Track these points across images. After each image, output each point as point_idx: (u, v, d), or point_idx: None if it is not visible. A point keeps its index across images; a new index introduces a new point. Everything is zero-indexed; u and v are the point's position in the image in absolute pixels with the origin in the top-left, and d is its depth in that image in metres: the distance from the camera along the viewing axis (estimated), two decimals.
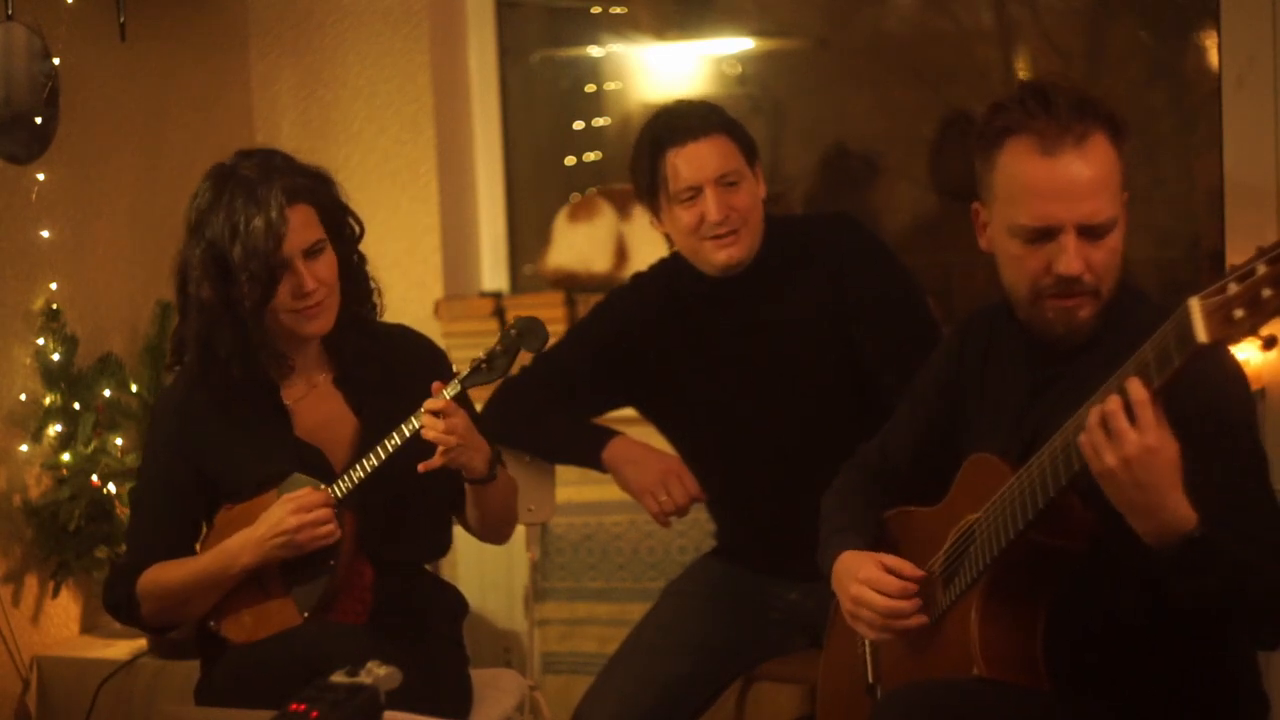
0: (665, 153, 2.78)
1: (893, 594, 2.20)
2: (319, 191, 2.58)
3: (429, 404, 2.48)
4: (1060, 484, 1.97)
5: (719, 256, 2.78)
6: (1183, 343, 1.78)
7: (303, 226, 2.52)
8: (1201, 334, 1.74)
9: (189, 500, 2.65)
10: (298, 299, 2.53)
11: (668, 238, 2.90)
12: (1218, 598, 1.94)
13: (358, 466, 2.54)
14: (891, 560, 2.24)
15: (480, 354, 2.53)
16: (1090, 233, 2.07)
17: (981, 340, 2.33)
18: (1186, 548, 1.89)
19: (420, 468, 2.49)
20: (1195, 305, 1.75)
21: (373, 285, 2.69)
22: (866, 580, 2.23)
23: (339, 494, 2.54)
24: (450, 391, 2.49)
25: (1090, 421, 1.88)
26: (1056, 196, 2.06)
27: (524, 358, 2.69)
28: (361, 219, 2.68)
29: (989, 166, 2.15)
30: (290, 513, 2.50)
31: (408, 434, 2.50)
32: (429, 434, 2.47)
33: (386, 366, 2.66)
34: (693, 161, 2.75)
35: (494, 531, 2.76)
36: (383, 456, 2.52)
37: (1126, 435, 1.85)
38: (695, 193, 2.76)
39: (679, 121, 2.79)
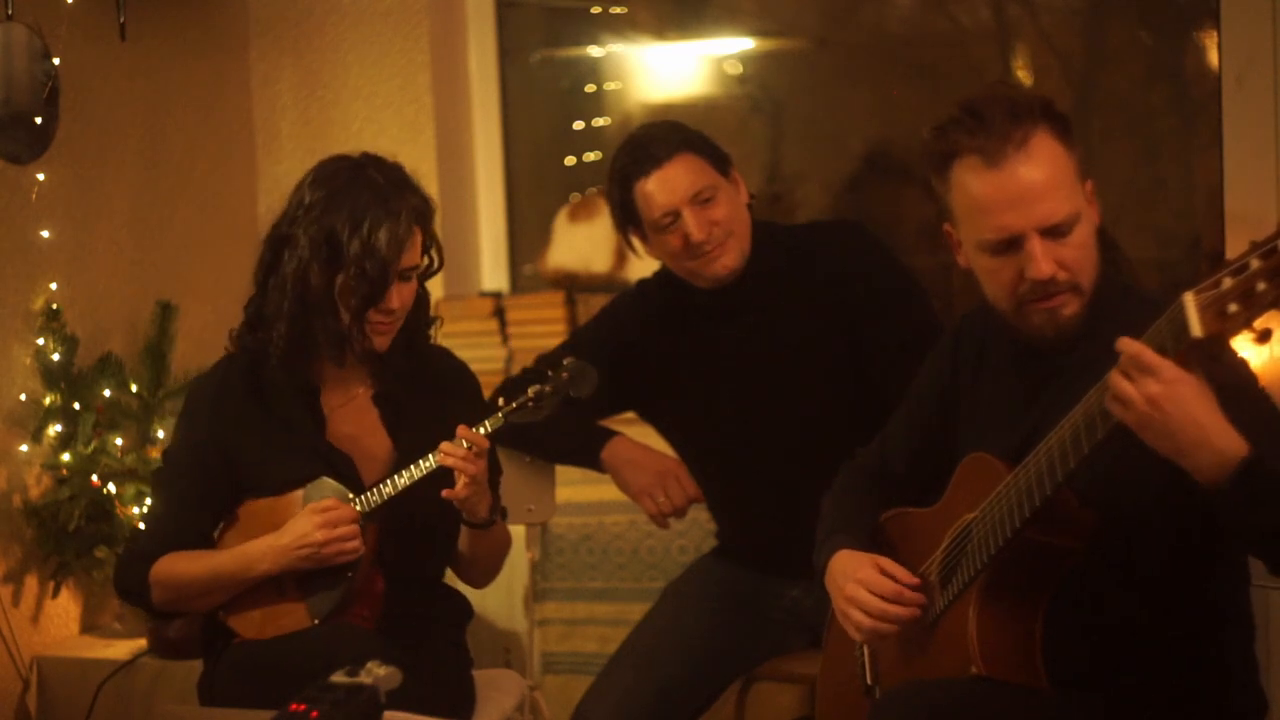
0: (633, 185, 2.78)
1: (886, 596, 2.21)
2: (428, 219, 2.62)
3: (468, 436, 2.48)
4: (1057, 480, 1.97)
5: (712, 269, 2.78)
6: (1177, 337, 1.78)
7: (411, 247, 2.55)
8: (1196, 328, 1.74)
9: (214, 488, 2.63)
10: (379, 314, 2.54)
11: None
12: None
13: (388, 483, 2.54)
14: (888, 563, 2.24)
15: (530, 391, 2.54)
16: (1053, 233, 2.07)
17: (976, 341, 2.33)
18: (1244, 476, 1.84)
19: (444, 494, 2.51)
20: (1189, 300, 1.75)
21: (434, 317, 2.72)
22: (862, 581, 2.23)
23: (365, 508, 2.54)
24: (493, 425, 2.51)
25: (1112, 378, 1.86)
26: (1010, 206, 2.07)
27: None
28: (444, 253, 2.70)
29: (945, 189, 2.17)
30: (318, 526, 2.50)
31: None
32: (452, 462, 2.48)
33: (427, 389, 2.67)
34: (663, 187, 2.75)
35: (478, 576, 2.79)
36: (415, 476, 2.52)
37: (1147, 376, 1.82)
38: (673, 217, 2.75)
39: (641, 151, 2.78)
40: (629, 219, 2.84)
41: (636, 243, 2.87)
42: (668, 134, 2.80)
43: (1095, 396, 1.91)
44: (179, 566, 2.59)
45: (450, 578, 2.81)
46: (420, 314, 2.68)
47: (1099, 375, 1.90)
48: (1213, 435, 1.85)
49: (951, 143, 2.12)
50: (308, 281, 2.52)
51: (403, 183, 2.58)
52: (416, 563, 2.66)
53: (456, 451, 2.48)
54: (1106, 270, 2.16)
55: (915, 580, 2.22)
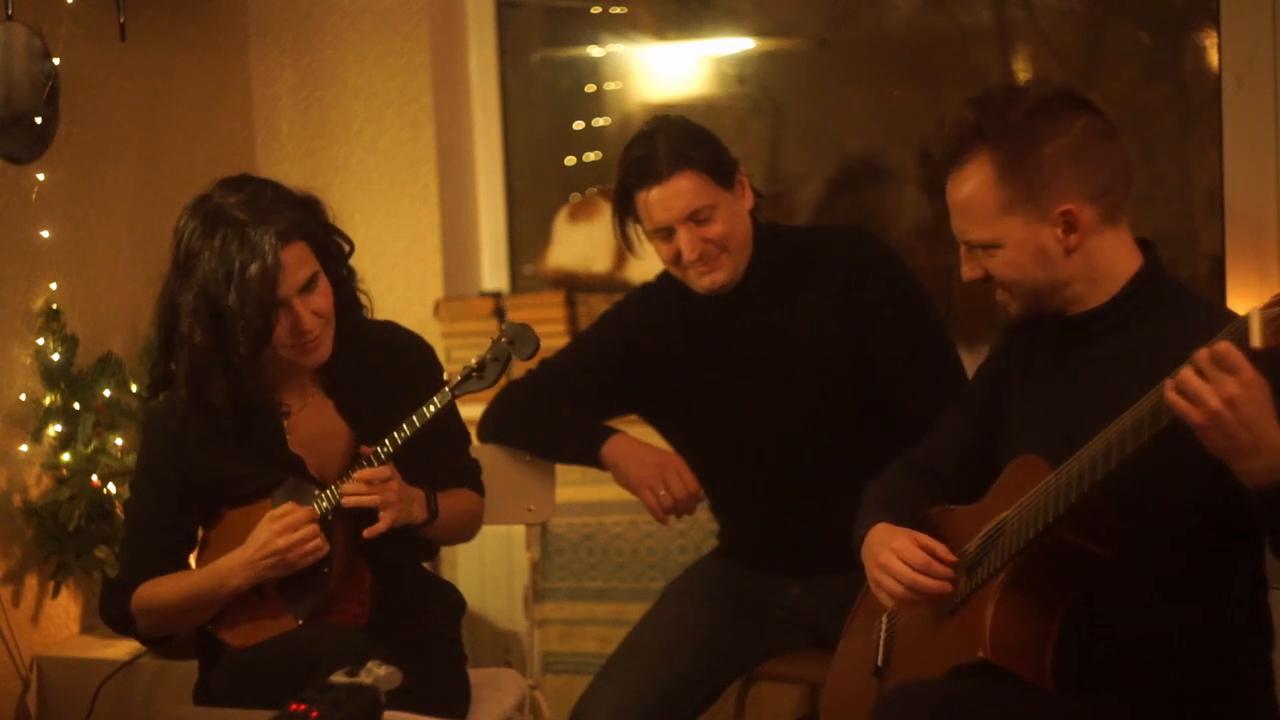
0: (634, 195, 2.78)
1: (916, 566, 2.23)
2: (309, 223, 2.53)
3: (361, 475, 2.49)
4: (1096, 479, 2.00)
5: (701, 284, 2.79)
6: (1237, 346, 1.86)
7: (297, 265, 2.48)
8: (1256, 339, 1.83)
9: (181, 513, 2.65)
10: (296, 336, 2.51)
11: None
12: None
13: (345, 478, 2.53)
14: (924, 538, 2.27)
15: (472, 361, 2.54)
16: (979, 247, 2.25)
17: (1025, 341, 2.37)
18: None
19: (366, 534, 2.50)
20: (1256, 314, 1.84)
21: (362, 300, 2.68)
22: (897, 550, 2.26)
23: (328, 504, 2.54)
24: (441, 400, 2.51)
25: (1183, 374, 1.90)
26: (953, 215, 2.30)
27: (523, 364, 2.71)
28: (350, 236, 2.65)
29: None
30: (277, 534, 2.50)
31: (399, 441, 2.51)
32: (360, 501, 2.49)
33: (378, 373, 2.65)
34: (660, 204, 2.74)
35: (459, 540, 2.84)
36: (374, 465, 2.52)
37: (1226, 375, 1.88)
38: (669, 232, 2.76)
39: (644, 165, 2.76)
40: (630, 219, 2.84)
41: (639, 236, 2.87)
42: (673, 146, 2.75)
43: (1147, 401, 1.95)
44: (157, 592, 2.60)
45: (445, 571, 2.81)
46: (348, 303, 2.63)
47: (1138, 359, 2.03)
48: (1270, 442, 1.90)
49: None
50: (198, 346, 2.49)
51: (263, 207, 2.47)
52: (397, 550, 2.64)
53: (359, 490, 2.49)
54: (1145, 268, 2.21)
55: (952, 558, 2.24)
